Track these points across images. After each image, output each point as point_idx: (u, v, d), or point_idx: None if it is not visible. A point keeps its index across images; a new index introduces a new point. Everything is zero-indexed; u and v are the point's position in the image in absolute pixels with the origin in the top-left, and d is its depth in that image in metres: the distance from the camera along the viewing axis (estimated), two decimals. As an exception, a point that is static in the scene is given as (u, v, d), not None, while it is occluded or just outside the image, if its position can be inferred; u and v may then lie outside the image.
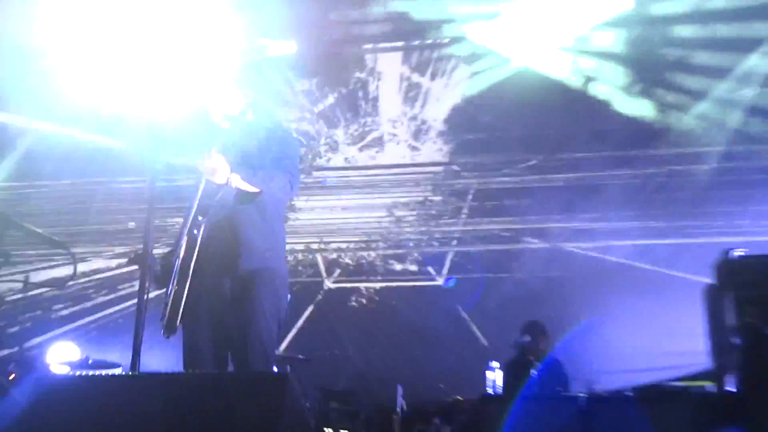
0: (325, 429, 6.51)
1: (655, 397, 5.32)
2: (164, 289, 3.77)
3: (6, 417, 3.03)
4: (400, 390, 7.32)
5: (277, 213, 4.10)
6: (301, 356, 7.62)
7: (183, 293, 3.70)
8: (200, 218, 3.73)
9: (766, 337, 4.69)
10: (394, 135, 9.40)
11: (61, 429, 2.93)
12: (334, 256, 9.33)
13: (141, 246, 3.71)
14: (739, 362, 5.06)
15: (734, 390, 5.23)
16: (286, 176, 3.92)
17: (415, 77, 9.37)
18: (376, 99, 9.53)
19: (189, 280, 3.71)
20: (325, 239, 9.30)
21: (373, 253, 9.24)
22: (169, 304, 3.68)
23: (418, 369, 8.37)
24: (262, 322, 3.79)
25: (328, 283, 9.24)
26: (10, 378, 6.59)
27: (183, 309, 3.69)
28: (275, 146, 4.04)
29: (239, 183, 3.72)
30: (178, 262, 3.70)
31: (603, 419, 4.92)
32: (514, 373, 6.80)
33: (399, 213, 9.22)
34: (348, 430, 6.72)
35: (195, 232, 3.73)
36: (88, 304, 9.60)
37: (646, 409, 4.99)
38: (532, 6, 8.61)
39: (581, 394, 5.74)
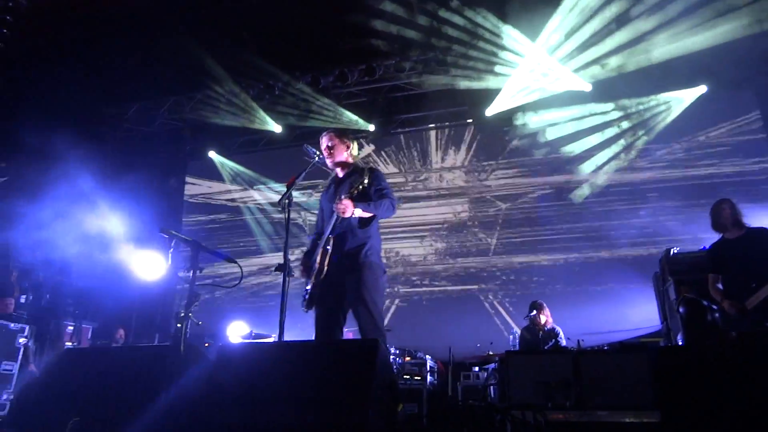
0: (404, 375, 6.34)
1: (622, 349, 5.11)
2: (305, 280, 3.75)
3: (203, 371, 3.11)
4: (450, 349, 7.11)
5: (375, 227, 3.85)
6: (386, 328, 7.54)
7: (318, 284, 3.65)
8: (330, 236, 3.67)
9: (703, 306, 4.51)
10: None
11: (235, 376, 2.93)
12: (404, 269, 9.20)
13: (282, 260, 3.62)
14: (683, 323, 4.86)
15: (681, 343, 5.00)
16: (388, 200, 3.74)
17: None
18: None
19: (323, 276, 3.65)
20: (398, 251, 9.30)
21: (429, 268, 9.07)
22: (310, 291, 3.66)
23: (464, 336, 8.07)
24: (369, 298, 3.57)
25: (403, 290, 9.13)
26: (206, 346, 6.75)
27: (318, 295, 3.65)
28: (375, 182, 3.83)
29: (360, 213, 3.63)
30: (316, 266, 3.66)
31: (588, 366, 4.72)
32: (526, 335, 6.64)
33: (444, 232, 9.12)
34: (418, 376, 6.57)
35: (327, 247, 3.67)
36: (251, 295, 9.68)
37: (617, 358, 4.78)
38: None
39: (572, 349, 5.55)
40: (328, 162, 3.94)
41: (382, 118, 9.59)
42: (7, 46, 7.72)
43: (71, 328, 7.88)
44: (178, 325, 3.33)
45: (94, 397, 3.08)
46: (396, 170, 9.62)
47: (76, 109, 8.80)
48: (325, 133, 4.01)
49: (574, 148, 8.46)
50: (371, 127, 9.56)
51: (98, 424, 2.83)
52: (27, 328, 5.90)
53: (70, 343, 7.57)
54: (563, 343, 6.36)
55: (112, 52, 8.17)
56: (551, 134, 8.60)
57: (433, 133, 9.59)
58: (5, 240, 6.96)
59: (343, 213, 3.54)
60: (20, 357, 5.80)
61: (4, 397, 5.49)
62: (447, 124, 9.47)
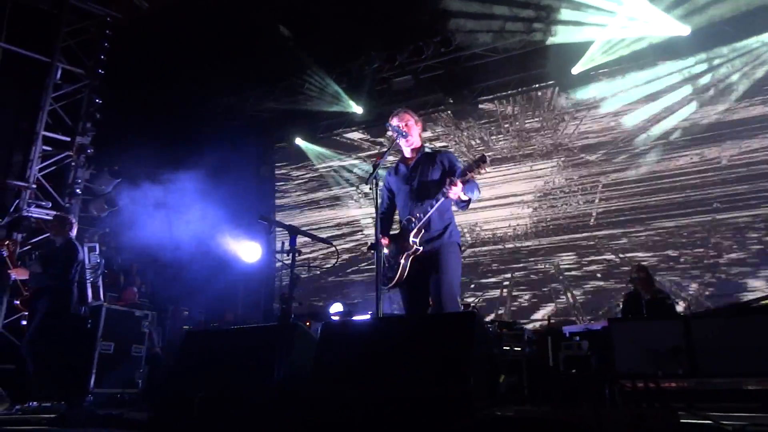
0: (503, 347, 6.25)
1: (740, 311, 4.75)
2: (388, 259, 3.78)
3: (310, 348, 3.26)
4: (549, 319, 7.16)
5: (451, 206, 3.86)
6: (480, 304, 7.71)
7: (408, 264, 3.69)
8: (418, 215, 3.70)
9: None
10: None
11: (339, 352, 3.06)
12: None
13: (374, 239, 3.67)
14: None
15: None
16: (475, 183, 3.71)
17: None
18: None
19: (413, 257, 3.70)
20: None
21: (520, 239, 8.83)
22: (400, 270, 3.69)
23: (562, 305, 8.05)
24: (453, 276, 3.64)
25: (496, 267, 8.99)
26: (307, 324, 7.06)
27: (406, 274, 3.69)
28: (455, 164, 3.83)
29: (463, 197, 3.65)
30: (410, 245, 3.68)
31: (701, 331, 4.44)
32: (630, 301, 6.35)
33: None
34: (517, 347, 6.40)
35: (423, 230, 3.72)
36: (348, 276, 9.99)
37: (734, 321, 4.45)
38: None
39: (682, 313, 5.22)
40: (403, 142, 3.91)
41: (461, 89, 9.37)
42: (108, 59, 8.44)
43: (186, 312, 8.58)
44: (283, 306, 3.52)
45: (214, 373, 3.33)
46: (478, 142, 9.42)
47: (170, 110, 9.49)
48: (397, 113, 3.98)
49: (670, 99, 7.94)
50: (450, 99, 9.44)
51: (221, 398, 3.08)
52: (149, 314, 6.46)
53: (186, 327, 8.20)
54: (673, 308, 6.00)
55: (197, 54, 8.65)
56: (643, 91, 8.12)
57: (515, 98, 9.28)
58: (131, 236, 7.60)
59: (452, 195, 3.57)
60: (146, 341, 6.37)
61: (137, 376, 6.09)
62: (530, 87, 9.12)
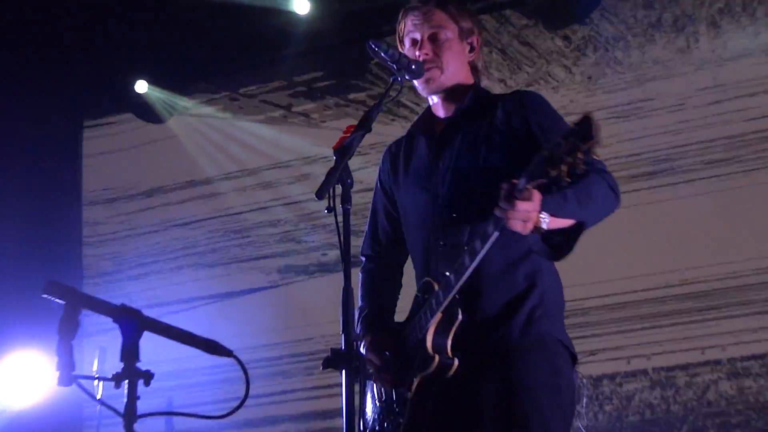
0: None
1: None
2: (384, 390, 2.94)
3: None
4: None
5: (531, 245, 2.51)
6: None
7: (425, 400, 2.75)
8: (449, 274, 2.65)
9: None
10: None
11: None
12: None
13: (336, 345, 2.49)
14: None
15: None
16: (603, 178, 2.29)
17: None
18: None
19: (443, 382, 2.68)
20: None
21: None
22: (406, 420, 2.86)
23: None
24: (539, 418, 2.42)
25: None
26: None
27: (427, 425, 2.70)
28: (549, 130, 2.42)
29: (550, 222, 2.24)
30: (431, 358, 2.74)
31: None
32: None
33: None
34: None
35: (457, 312, 2.69)
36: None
37: None
38: None
39: None
40: (421, 85, 2.74)
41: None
42: None
43: None
44: None
45: None
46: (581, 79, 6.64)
47: None
48: (413, 7, 2.80)
49: None
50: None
51: None
52: None
53: None
54: None
55: None
56: None
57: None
58: None
59: (517, 226, 2.25)
60: None
61: None
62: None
